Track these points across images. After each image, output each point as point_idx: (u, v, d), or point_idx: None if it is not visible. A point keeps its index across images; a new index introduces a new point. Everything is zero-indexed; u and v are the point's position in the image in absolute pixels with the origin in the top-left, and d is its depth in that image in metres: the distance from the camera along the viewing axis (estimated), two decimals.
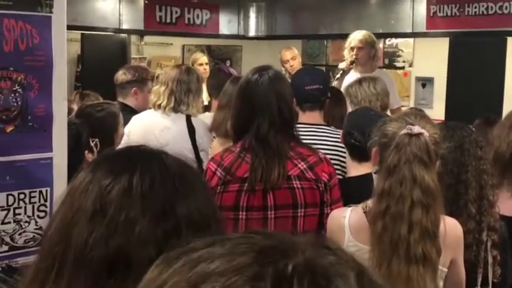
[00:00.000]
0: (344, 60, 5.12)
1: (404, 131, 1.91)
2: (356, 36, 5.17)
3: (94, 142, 2.86)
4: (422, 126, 1.92)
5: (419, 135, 1.90)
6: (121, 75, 4.23)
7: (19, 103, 2.12)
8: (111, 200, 1.00)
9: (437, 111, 6.90)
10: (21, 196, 2.12)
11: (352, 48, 5.11)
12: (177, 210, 1.00)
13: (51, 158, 2.19)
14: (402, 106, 6.92)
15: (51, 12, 2.20)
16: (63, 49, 2.26)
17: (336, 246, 0.65)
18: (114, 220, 0.99)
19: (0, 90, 2.08)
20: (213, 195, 1.09)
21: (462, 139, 2.32)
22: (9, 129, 2.10)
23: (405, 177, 1.88)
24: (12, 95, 2.11)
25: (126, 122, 3.81)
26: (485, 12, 6.08)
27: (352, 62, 5.01)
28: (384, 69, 5.74)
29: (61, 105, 2.25)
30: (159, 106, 3.80)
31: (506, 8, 5.92)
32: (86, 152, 2.77)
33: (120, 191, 1.00)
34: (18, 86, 2.12)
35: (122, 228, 0.98)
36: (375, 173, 2.04)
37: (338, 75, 4.95)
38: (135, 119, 3.91)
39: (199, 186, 1.07)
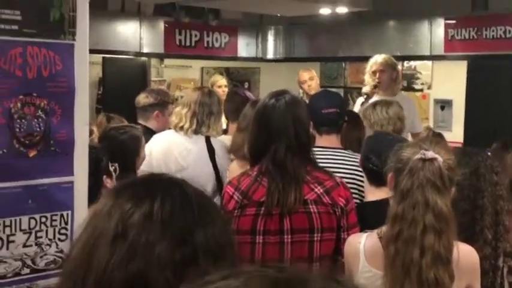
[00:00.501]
0: (365, 85, 5.11)
1: (418, 156, 1.93)
2: (377, 60, 5.17)
3: (113, 167, 2.90)
4: (436, 152, 1.94)
5: (433, 160, 1.91)
6: (143, 98, 4.30)
7: (42, 128, 2.17)
8: (132, 224, 1.03)
9: (456, 133, 6.89)
10: (43, 219, 2.15)
11: (374, 72, 5.09)
12: (195, 237, 1.04)
13: (72, 182, 2.23)
14: None
15: (74, 39, 2.25)
16: (85, 75, 2.31)
17: (346, 279, 0.68)
18: (134, 244, 1.02)
19: (23, 115, 2.13)
20: (229, 224, 1.13)
21: (478, 164, 2.33)
22: (32, 153, 2.15)
23: (418, 201, 1.90)
24: (35, 120, 2.15)
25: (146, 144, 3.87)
26: (503, 36, 6.09)
27: (375, 86, 4.99)
28: (404, 93, 5.73)
29: (82, 130, 2.29)
30: (181, 128, 3.84)
31: None
32: (104, 177, 2.80)
33: (141, 216, 1.04)
34: (41, 111, 2.17)
35: (141, 252, 1.01)
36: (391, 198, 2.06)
37: (363, 100, 4.94)
38: (156, 138, 3.96)
39: (216, 215, 1.11)
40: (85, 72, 2.31)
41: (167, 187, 1.10)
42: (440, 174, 1.91)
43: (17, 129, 2.11)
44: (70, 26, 2.24)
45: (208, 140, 3.89)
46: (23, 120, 2.13)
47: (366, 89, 5.02)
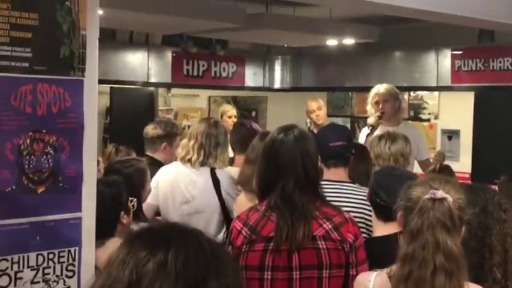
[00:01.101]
0: (369, 116, 5.12)
1: (427, 196, 1.92)
2: (379, 90, 5.17)
3: (132, 203, 2.88)
4: (446, 191, 1.93)
5: (442, 200, 1.91)
6: (152, 130, 4.32)
7: (51, 164, 2.18)
8: (147, 273, 1.05)
9: (464, 163, 6.88)
10: (51, 256, 2.15)
11: (376, 103, 5.10)
12: (208, 286, 1.05)
13: (80, 218, 2.23)
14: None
15: (83, 76, 2.28)
16: (94, 111, 2.33)
17: None
18: None
19: (32, 152, 2.14)
20: (241, 274, 1.15)
21: (486, 202, 2.31)
22: (41, 190, 2.15)
23: (428, 242, 1.89)
24: (44, 156, 2.17)
25: (153, 176, 3.88)
26: (509, 67, 6.12)
27: (379, 117, 5.00)
28: (410, 122, 5.74)
29: (91, 166, 2.30)
30: (189, 160, 3.85)
31: None
32: (122, 213, 2.79)
33: (155, 265, 1.05)
34: (50, 147, 2.18)
35: None
36: (401, 237, 2.05)
37: (368, 131, 4.94)
38: (162, 170, 3.97)
39: (229, 265, 1.13)
40: (94, 108, 2.33)
41: (182, 236, 1.12)
42: (450, 215, 1.90)
43: (26, 166, 2.13)
44: (80, 63, 2.27)
45: (213, 172, 3.89)
46: (32, 157, 2.14)
47: (370, 120, 5.01)
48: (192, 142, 3.86)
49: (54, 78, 2.20)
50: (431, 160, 5.14)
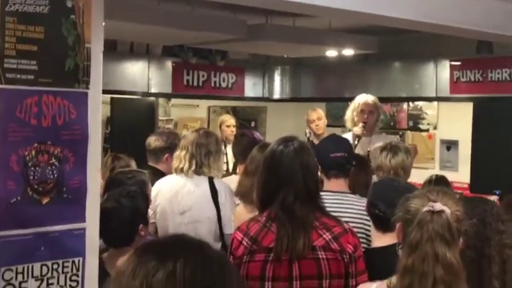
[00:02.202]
0: (346, 122, 5.26)
1: (426, 208, 1.95)
2: (367, 100, 5.22)
3: (151, 214, 2.89)
4: (444, 203, 1.96)
5: (441, 212, 1.93)
6: (154, 141, 4.34)
7: (55, 176, 2.21)
8: (157, 282, 1.08)
9: (462, 174, 6.91)
10: (55, 266, 2.18)
11: (362, 111, 5.16)
12: None
13: (84, 229, 2.27)
14: (426, 168, 6.97)
15: (87, 88, 2.32)
16: (98, 122, 2.37)
17: None
18: None
19: (37, 163, 2.18)
20: (245, 285, 1.19)
21: (484, 213, 2.34)
22: (45, 201, 2.19)
23: (427, 254, 1.91)
24: (49, 168, 2.20)
25: None
26: (508, 78, 6.16)
27: (363, 127, 5.06)
28: (384, 134, 5.78)
29: (95, 176, 2.34)
30: (182, 170, 3.89)
31: None
32: (141, 226, 2.79)
33: (165, 274, 1.09)
34: (54, 159, 2.22)
35: None
36: (399, 248, 2.07)
37: (356, 142, 4.98)
38: (160, 183, 3.99)
39: (235, 276, 1.17)
40: (98, 120, 2.37)
41: (190, 247, 1.16)
42: (449, 227, 1.92)
43: (31, 177, 2.16)
44: (84, 75, 2.31)
45: (211, 181, 3.92)
46: (37, 168, 2.18)
47: (358, 131, 5.04)
48: (183, 152, 3.91)
49: (59, 91, 2.24)
50: None
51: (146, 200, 2.85)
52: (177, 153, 3.99)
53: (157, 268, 1.09)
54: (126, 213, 2.70)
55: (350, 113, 5.26)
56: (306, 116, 6.56)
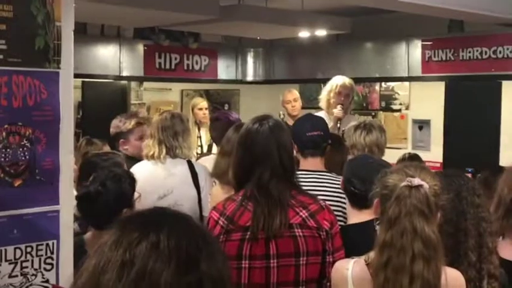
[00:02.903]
0: (320, 102, 5.35)
1: (404, 183, 1.95)
2: (345, 83, 5.28)
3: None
4: (422, 178, 1.96)
5: (419, 187, 1.94)
6: (115, 128, 4.27)
7: (27, 157, 2.16)
8: (140, 252, 1.07)
9: (435, 153, 6.97)
10: (28, 249, 2.14)
11: (339, 93, 5.21)
12: (201, 267, 1.08)
13: (58, 211, 2.23)
14: (399, 148, 7.03)
15: (58, 68, 2.26)
16: (70, 103, 2.32)
17: None
18: (142, 270, 1.05)
19: (8, 145, 2.13)
20: (228, 259, 1.17)
21: (460, 187, 2.36)
22: (18, 183, 2.14)
23: (406, 229, 1.92)
24: (21, 149, 2.15)
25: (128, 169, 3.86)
26: (479, 57, 6.20)
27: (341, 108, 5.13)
28: (355, 115, 5.86)
29: (67, 158, 2.29)
30: (152, 156, 3.86)
31: (500, 52, 6.04)
32: (125, 210, 2.70)
33: (148, 245, 1.07)
34: (26, 140, 2.17)
35: (148, 278, 1.05)
36: (377, 224, 2.07)
37: (338, 125, 5.02)
38: (136, 169, 3.93)
39: (218, 249, 1.15)
40: (70, 100, 2.32)
41: (174, 219, 1.14)
42: (427, 201, 1.93)
43: (2, 159, 2.11)
44: (55, 55, 2.25)
45: (190, 164, 3.90)
46: (8, 150, 2.13)
47: (339, 113, 5.09)
48: (151, 140, 3.90)
49: (30, 70, 2.19)
50: None
51: (133, 182, 2.80)
52: (145, 142, 3.97)
53: (140, 239, 1.08)
54: (111, 197, 2.66)
55: (326, 94, 5.29)
56: (281, 96, 6.55)
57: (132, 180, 2.80)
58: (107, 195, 2.64)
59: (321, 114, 5.16)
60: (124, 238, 1.09)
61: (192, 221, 1.16)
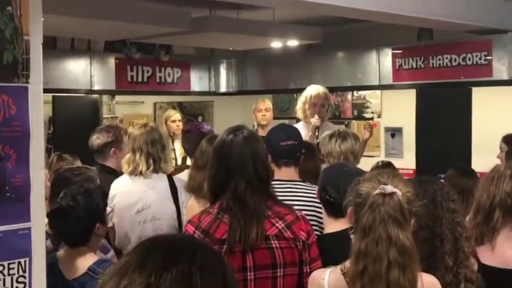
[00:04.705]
0: (298, 114, 5.42)
1: (377, 191, 1.95)
2: (319, 93, 5.35)
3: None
4: (395, 186, 1.96)
5: (392, 194, 1.94)
6: (96, 140, 4.23)
7: None
8: (169, 278, 1.02)
9: (407, 160, 7.03)
10: (0, 268, 2.10)
11: (314, 105, 5.27)
12: None
13: (29, 228, 2.18)
14: (372, 156, 7.07)
15: (27, 82, 2.23)
16: (40, 118, 2.28)
17: None
18: None
19: None
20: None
21: (434, 193, 2.38)
22: None
23: (381, 237, 1.92)
24: None
25: (108, 184, 3.82)
26: (449, 64, 6.27)
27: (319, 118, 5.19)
28: (330, 123, 5.90)
29: (38, 174, 2.25)
30: (140, 172, 3.81)
31: (469, 59, 6.12)
32: (98, 224, 2.72)
33: (179, 274, 1.03)
34: None
35: None
36: (351, 233, 2.07)
37: (317, 133, 5.05)
38: (116, 184, 3.90)
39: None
40: (39, 115, 2.28)
41: (204, 252, 1.10)
42: (401, 208, 1.93)
43: None
44: (24, 69, 2.22)
45: (170, 178, 3.88)
46: None
47: (316, 122, 5.14)
48: (138, 155, 3.83)
49: None
50: None
51: (104, 197, 2.77)
52: (128, 156, 3.91)
53: (169, 264, 1.03)
54: (82, 212, 2.62)
55: (302, 105, 5.35)
56: (254, 104, 6.56)
57: (103, 195, 2.77)
58: (78, 210, 2.61)
59: (299, 124, 5.23)
60: (150, 261, 1.03)
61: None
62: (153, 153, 3.82)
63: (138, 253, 1.07)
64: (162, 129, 6.04)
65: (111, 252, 3.02)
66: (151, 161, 3.82)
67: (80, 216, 2.60)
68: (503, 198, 2.70)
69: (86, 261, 2.62)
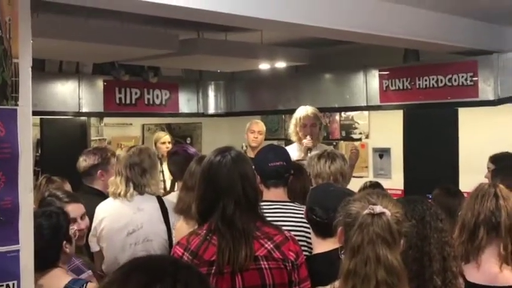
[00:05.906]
0: (291, 136, 5.46)
1: (366, 211, 1.96)
2: (308, 114, 5.40)
3: (73, 231, 2.86)
4: (384, 206, 1.98)
5: (381, 214, 1.95)
6: (83, 162, 4.24)
7: None
8: None
9: (396, 181, 7.05)
10: None
11: (305, 126, 5.32)
12: None
13: (17, 251, 2.17)
14: (361, 177, 7.09)
15: (16, 104, 2.23)
16: (29, 140, 2.29)
17: None
18: None
19: None
20: None
21: (423, 212, 2.39)
22: None
23: (369, 257, 1.92)
24: None
25: (95, 206, 3.81)
26: (435, 85, 6.33)
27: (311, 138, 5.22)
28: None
29: (27, 197, 2.25)
30: (119, 195, 3.81)
31: (455, 80, 6.18)
32: (64, 242, 2.74)
33: None
34: None
35: None
36: (342, 253, 2.08)
37: (309, 154, 5.06)
38: (103, 207, 3.88)
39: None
40: (28, 137, 2.29)
41: (187, 271, 1.12)
42: (390, 229, 1.94)
43: None
44: (13, 91, 2.22)
45: (160, 199, 3.88)
46: None
47: (309, 143, 5.17)
48: (118, 178, 3.85)
49: None
50: None
51: (66, 217, 2.80)
52: (111, 179, 3.91)
53: (154, 281, 1.04)
54: (45, 232, 2.64)
55: (293, 128, 5.41)
56: (248, 124, 6.56)
57: (65, 215, 2.79)
58: (41, 232, 2.61)
59: (293, 146, 5.26)
60: (133, 279, 1.05)
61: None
62: (132, 177, 3.82)
63: (120, 273, 1.08)
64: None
65: (88, 272, 3.01)
66: (131, 184, 3.82)
67: (44, 237, 2.62)
68: (488, 216, 2.72)
69: (60, 282, 2.63)
